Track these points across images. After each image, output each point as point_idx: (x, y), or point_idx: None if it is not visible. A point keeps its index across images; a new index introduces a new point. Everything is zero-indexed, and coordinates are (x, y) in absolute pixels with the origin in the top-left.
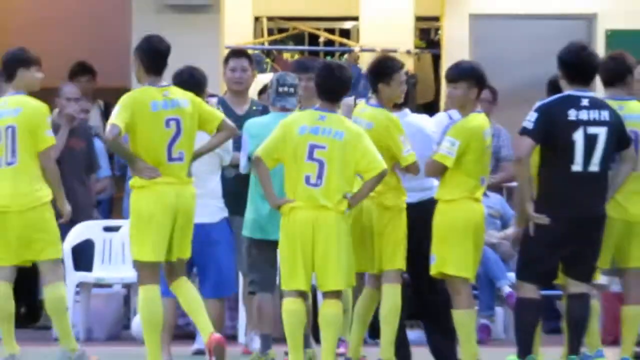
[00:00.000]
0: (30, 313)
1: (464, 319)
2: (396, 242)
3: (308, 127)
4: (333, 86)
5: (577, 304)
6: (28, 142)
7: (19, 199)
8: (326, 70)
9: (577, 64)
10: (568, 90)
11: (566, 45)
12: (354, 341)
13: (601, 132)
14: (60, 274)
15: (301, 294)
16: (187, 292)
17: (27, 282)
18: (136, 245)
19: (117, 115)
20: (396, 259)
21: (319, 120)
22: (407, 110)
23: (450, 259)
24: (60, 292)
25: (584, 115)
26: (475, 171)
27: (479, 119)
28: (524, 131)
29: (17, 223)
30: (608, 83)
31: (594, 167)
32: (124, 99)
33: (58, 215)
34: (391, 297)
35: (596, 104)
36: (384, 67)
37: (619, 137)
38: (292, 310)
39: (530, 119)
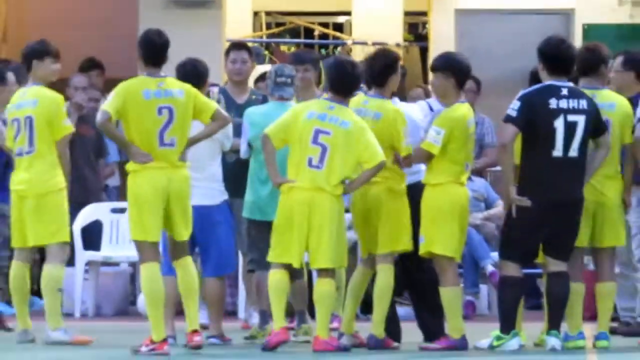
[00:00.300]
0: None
1: (450, 295)
2: (402, 224)
3: (316, 113)
4: (345, 82)
5: (557, 282)
6: (45, 132)
7: (35, 185)
8: (339, 66)
9: (556, 56)
10: (548, 81)
11: (546, 38)
12: (347, 316)
13: (580, 120)
14: (64, 257)
15: (288, 268)
16: (185, 274)
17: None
18: (134, 226)
19: (109, 102)
20: (401, 240)
21: (327, 109)
22: (396, 99)
23: (438, 239)
24: (59, 274)
25: (564, 104)
26: (459, 157)
27: (462, 109)
28: (508, 119)
29: (33, 207)
30: (583, 73)
31: (574, 152)
32: (118, 87)
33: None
34: (386, 277)
35: (575, 94)
36: (392, 57)
37: (595, 125)
38: (276, 279)
39: (513, 107)
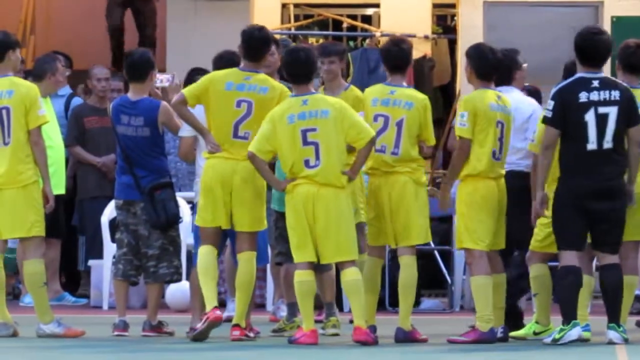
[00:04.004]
0: (70, 282)
1: (478, 284)
2: (425, 216)
3: (295, 115)
4: (298, 69)
5: (608, 274)
6: (22, 122)
7: (12, 177)
8: (290, 54)
9: (588, 47)
10: (580, 73)
11: (581, 29)
12: (368, 310)
13: (612, 111)
14: (41, 252)
15: (313, 265)
16: (242, 271)
17: (67, 253)
18: (198, 212)
19: (191, 86)
20: (426, 233)
21: (303, 106)
22: (515, 89)
23: (465, 233)
24: (40, 268)
25: (594, 96)
26: (485, 140)
27: (484, 92)
28: (545, 121)
29: (9, 200)
30: (626, 68)
31: (608, 144)
32: (207, 75)
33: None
34: (410, 269)
35: (607, 85)
36: (409, 45)
37: (628, 116)
38: (301, 281)
39: (548, 107)
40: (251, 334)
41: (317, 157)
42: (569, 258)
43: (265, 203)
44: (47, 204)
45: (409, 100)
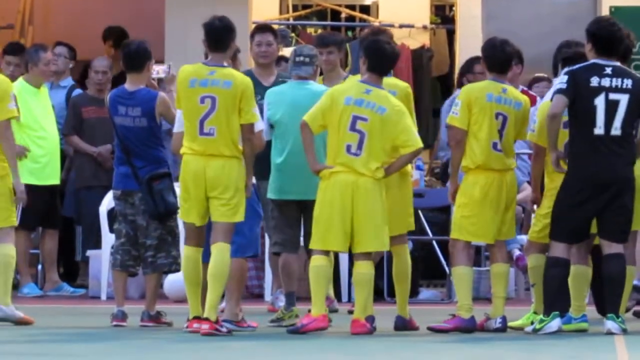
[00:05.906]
0: (68, 273)
1: (459, 273)
2: (410, 204)
3: (353, 99)
4: (384, 62)
5: (611, 264)
6: None
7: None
8: (376, 44)
9: (607, 38)
10: (594, 59)
11: (595, 19)
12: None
13: (622, 99)
14: (14, 238)
15: (328, 253)
16: (215, 261)
17: (65, 245)
18: (180, 206)
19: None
20: (410, 220)
21: (364, 94)
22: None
23: (457, 224)
24: (12, 252)
25: (606, 82)
26: (480, 132)
27: (483, 83)
28: (559, 91)
29: None
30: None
31: (616, 131)
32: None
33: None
34: (402, 258)
35: (620, 73)
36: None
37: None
38: (318, 265)
39: (562, 81)
40: (224, 329)
41: (360, 147)
42: (560, 249)
43: (243, 193)
44: (15, 196)
45: (391, 89)
